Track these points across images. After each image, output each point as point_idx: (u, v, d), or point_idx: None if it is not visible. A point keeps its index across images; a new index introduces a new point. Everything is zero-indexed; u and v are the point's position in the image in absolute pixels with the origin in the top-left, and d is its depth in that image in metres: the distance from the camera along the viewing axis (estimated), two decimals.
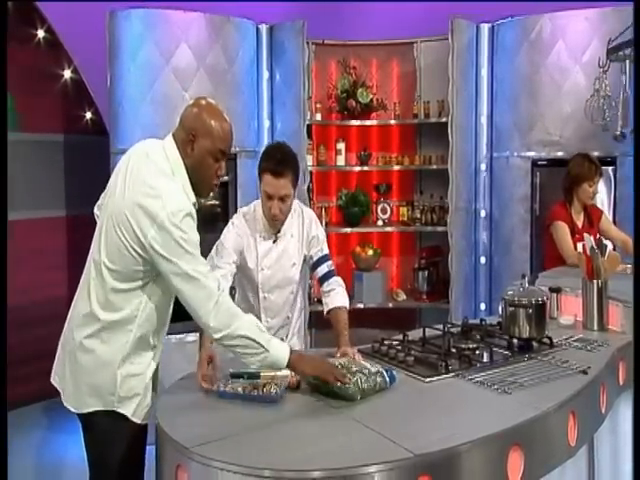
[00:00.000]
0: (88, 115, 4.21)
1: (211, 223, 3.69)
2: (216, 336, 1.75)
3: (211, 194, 1.87)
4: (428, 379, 1.93)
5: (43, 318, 3.92)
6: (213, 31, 3.64)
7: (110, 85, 3.61)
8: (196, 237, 1.75)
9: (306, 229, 2.34)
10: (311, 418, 1.73)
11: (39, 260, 3.96)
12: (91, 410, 1.81)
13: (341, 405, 1.77)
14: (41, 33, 4.00)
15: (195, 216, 1.77)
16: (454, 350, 2.10)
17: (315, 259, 2.34)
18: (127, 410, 1.82)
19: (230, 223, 2.36)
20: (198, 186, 1.81)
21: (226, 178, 3.66)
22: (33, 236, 3.96)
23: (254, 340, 1.73)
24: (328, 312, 2.30)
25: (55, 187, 4.08)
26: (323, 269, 2.33)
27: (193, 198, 1.81)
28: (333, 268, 2.36)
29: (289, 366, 1.78)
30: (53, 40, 4.03)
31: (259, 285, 2.34)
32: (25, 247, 3.89)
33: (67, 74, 4.12)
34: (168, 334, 3.49)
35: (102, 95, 4.02)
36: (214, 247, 2.33)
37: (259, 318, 2.30)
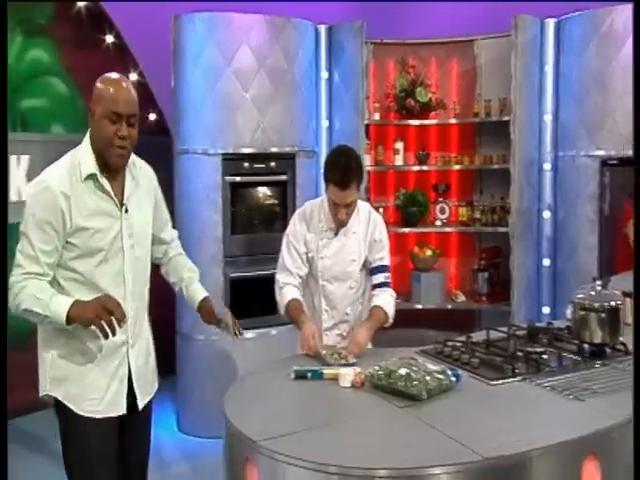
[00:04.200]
0: (152, 116, 4.35)
1: (269, 222, 3.75)
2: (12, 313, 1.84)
3: (119, 158, 1.82)
4: (494, 382, 1.88)
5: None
6: (273, 32, 3.68)
7: (174, 87, 3.71)
8: (41, 215, 1.77)
9: (370, 230, 2.40)
10: (376, 416, 1.73)
11: None
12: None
13: (406, 404, 1.75)
14: (110, 38, 4.16)
15: (63, 198, 1.77)
16: (520, 353, 2.05)
17: (374, 265, 2.39)
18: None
19: (292, 225, 2.41)
20: (104, 153, 1.81)
21: (284, 177, 3.70)
22: None
23: (32, 310, 1.76)
24: (369, 310, 2.34)
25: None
26: (379, 278, 2.39)
27: (89, 170, 1.80)
28: (389, 280, 2.41)
29: (69, 323, 1.75)
30: (121, 45, 4.18)
31: (319, 273, 2.39)
32: None
33: (133, 77, 4.26)
34: None
35: (165, 97, 4.14)
36: (283, 250, 2.39)
37: (319, 306, 2.36)
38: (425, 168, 4.27)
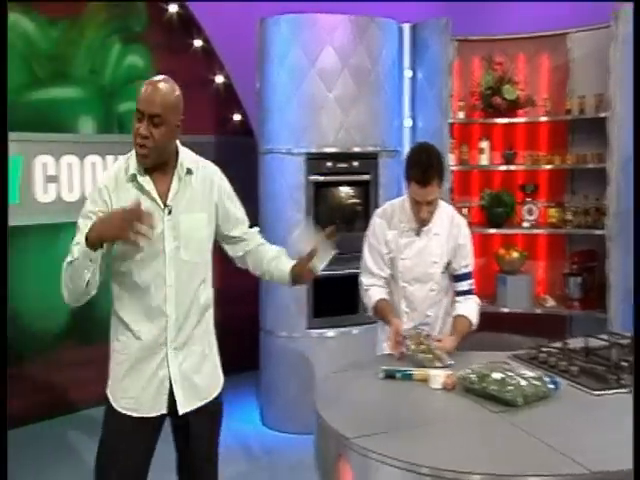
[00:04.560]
0: (237, 117, 4.46)
1: (351, 222, 3.74)
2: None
3: (140, 157, 1.82)
4: (597, 392, 1.77)
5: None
6: (357, 32, 3.67)
7: (259, 88, 3.78)
8: (88, 207, 1.87)
9: (454, 234, 2.35)
10: (468, 420, 1.67)
11: None
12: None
13: (500, 409, 1.69)
14: (198, 42, 4.30)
15: (104, 193, 1.85)
16: (625, 363, 1.92)
17: (459, 273, 2.34)
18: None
19: (372, 226, 2.40)
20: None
21: (367, 177, 3.68)
22: None
23: (68, 265, 1.77)
24: (453, 318, 2.31)
25: None
26: (463, 285, 2.35)
27: (131, 170, 1.85)
28: (474, 287, 2.36)
29: (93, 246, 1.74)
30: (208, 48, 4.31)
31: (399, 274, 2.36)
32: None
33: (219, 79, 4.39)
34: (308, 329, 3.59)
35: (250, 98, 4.24)
36: (365, 252, 2.37)
37: (399, 307, 2.34)
38: (512, 168, 4.11)
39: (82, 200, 3.71)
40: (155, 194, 1.84)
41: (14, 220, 3.53)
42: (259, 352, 3.76)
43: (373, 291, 2.35)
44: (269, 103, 3.72)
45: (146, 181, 1.84)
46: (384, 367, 1.97)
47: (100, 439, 1.91)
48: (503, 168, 4.13)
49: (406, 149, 3.88)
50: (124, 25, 4.06)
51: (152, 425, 1.89)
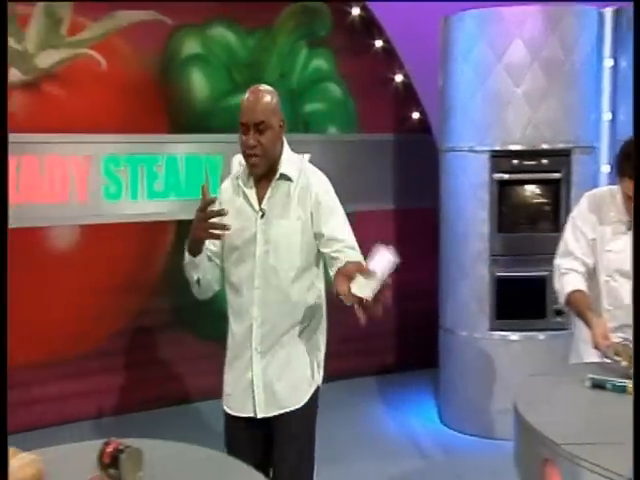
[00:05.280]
0: (415, 115, 4.49)
1: (537, 222, 3.59)
2: None
3: (252, 167, 1.87)
4: None
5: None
6: (549, 23, 3.49)
7: (442, 85, 3.78)
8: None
9: None
10: None
11: (370, 248, 4.38)
12: None
13: None
14: (379, 43, 4.40)
15: (222, 194, 1.97)
16: None
17: None
18: None
19: (580, 206, 2.26)
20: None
21: (557, 175, 3.50)
22: (365, 226, 4.39)
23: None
24: None
25: (385, 182, 4.46)
26: None
27: (237, 174, 1.95)
28: None
29: (193, 253, 1.86)
30: (388, 48, 4.40)
31: (602, 267, 2.18)
32: (359, 236, 4.35)
33: (398, 78, 4.46)
34: (491, 330, 3.52)
35: (429, 96, 4.25)
36: (567, 233, 2.27)
37: (598, 304, 2.17)
38: None
39: None
40: (253, 198, 1.90)
41: None
42: (437, 349, 3.77)
43: (571, 277, 2.17)
44: (452, 100, 3.70)
45: (247, 184, 1.92)
46: (591, 375, 1.88)
47: None
48: None
49: (604, 145, 3.62)
50: (310, 31, 4.30)
51: (245, 424, 1.93)
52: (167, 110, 3.88)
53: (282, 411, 1.90)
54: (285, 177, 1.89)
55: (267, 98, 1.86)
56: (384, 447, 3.38)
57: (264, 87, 1.90)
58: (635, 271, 1.92)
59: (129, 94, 3.74)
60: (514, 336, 3.39)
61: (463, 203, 3.59)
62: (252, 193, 1.91)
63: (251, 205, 1.90)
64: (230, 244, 1.92)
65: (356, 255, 1.84)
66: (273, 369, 1.90)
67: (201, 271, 1.90)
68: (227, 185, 1.99)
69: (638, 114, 2.18)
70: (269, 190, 1.89)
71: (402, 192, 4.48)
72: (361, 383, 4.25)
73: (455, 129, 3.67)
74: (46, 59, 3.56)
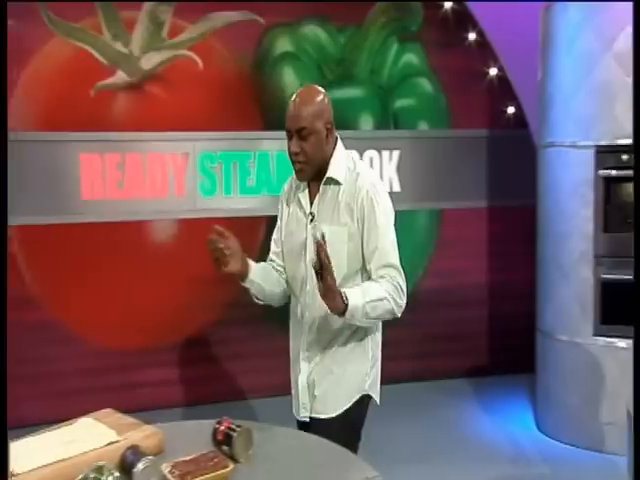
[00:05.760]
0: (510, 110, 4.32)
1: None
2: None
3: (298, 173, 1.86)
4: None
5: (463, 302, 4.25)
6: None
7: (541, 78, 3.60)
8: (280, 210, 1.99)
9: None
10: None
11: (462, 247, 4.28)
12: None
13: None
14: (472, 36, 4.27)
15: (283, 198, 1.98)
16: None
17: None
18: None
19: None
20: None
21: None
22: (457, 225, 4.30)
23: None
24: None
25: (478, 179, 4.33)
26: None
27: (296, 182, 1.92)
28: None
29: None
30: (482, 42, 4.25)
31: None
32: (450, 234, 4.27)
33: (493, 72, 4.31)
34: (595, 335, 3.32)
35: (525, 90, 4.07)
36: None
37: None
38: None
39: None
40: (305, 201, 1.88)
41: None
42: (534, 353, 3.61)
43: None
44: (552, 93, 3.51)
45: (300, 187, 1.90)
46: None
47: None
48: None
49: None
50: (401, 26, 4.24)
51: (300, 426, 1.91)
52: (260, 108, 3.96)
53: (316, 416, 1.88)
54: (333, 181, 1.84)
55: (310, 102, 1.79)
56: (478, 451, 3.28)
57: (309, 89, 1.85)
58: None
59: (224, 93, 3.84)
60: (622, 343, 3.17)
61: (564, 201, 3.40)
62: (304, 196, 1.89)
63: (302, 208, 1.89)
64: (286, 247, 1.93)
65: (372, 288, 1.76)
66: (316, 374, 1.88)
67: (259, 292, 1.89)
68: (288, 186, 1.99)
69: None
70: (319, 195, 1.86)
71: (496, 189, 4.32)
72: (452, 384, 4.15)
73: (556, 123, 3.49)
74: (149, 61, 3.72)
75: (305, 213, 1.87)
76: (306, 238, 1.85)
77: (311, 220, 1.85)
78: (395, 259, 1.80)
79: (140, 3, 3.68)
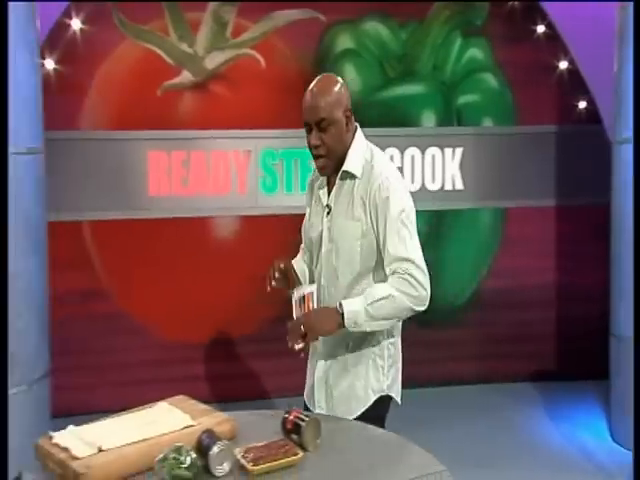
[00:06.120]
0: (582, 105, 4.14)
1: None
2: None
3: (319, 168, 1.84)
4: None
5: (529, 303, 4.09)
6: None
7: (617, 71, 3.43)
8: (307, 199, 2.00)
9: None
10: None
11: (529, 247, 4.13)
12: None
13: None
14: (541, 28, 4.11)
15: (309, 188, 1.98)
16: None
17: None
18: None
19: None
20: None
21: None
22: (524, 224, 4.15)
23: None
24: None
25: (546, 176, 4.16)
26: None
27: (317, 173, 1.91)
28: None
29: None
30: (551, 34, 4.09)
31: None
32: (515, 233, 4.13)
33: (563, 65, 4.14)
34: None
35: (599, 83, 3.89)
36: None
37: None
38: None
39: (422, 190, 4.05)
40: (323, 193, 1.85)
41: None
42: (607, 358, 3.43)
43: None
44: (629, 87, 3.33)
45: (319, 178, 1.89)
46: None
47: None
48: None
49: None
50: (465, 20, 4.14)
51: None
52: None
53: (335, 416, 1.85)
54: (349, 174, 1.80)
55: (327, 92, 1.76)
56: (546, 458, 3.15)
57: (324, 79, 1.82)
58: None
59: (285, 90, 3.87)
60: None
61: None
62: (323, 187, 1.87)
63: (320, 200, 1.87)
64: (307, 238, 1.95)
65: (376, 289, 1.74)
66: (332, 373, 1.86)
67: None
68: (312, 177, 1.98)
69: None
70: (335, 188, 1.82)
71: (566, 187, 4.14)
72: (517, 388, 4.00)
73: (631, 119, 3.30)
74: (213, 61, 3.80)
75: (322, 205, 1.85)
76: (322, 231, 1.83)
77: (327, 213, 1.83)
78: (409, 252, 1.72)
79: (205, 4, 3.77)
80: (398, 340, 1.88)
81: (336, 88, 1.78)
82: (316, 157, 1.79)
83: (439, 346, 4.02)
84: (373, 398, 1.82)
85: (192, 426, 1.47)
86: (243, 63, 3.84)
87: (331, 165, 1.79)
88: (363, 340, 1.81)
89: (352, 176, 1.79)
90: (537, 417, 3.64)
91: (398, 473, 1.39)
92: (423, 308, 1.73)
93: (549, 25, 4.09)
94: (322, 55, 3.97)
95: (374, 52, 4.04)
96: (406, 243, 1.72)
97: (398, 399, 1.88)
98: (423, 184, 4.05)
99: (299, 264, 1.99)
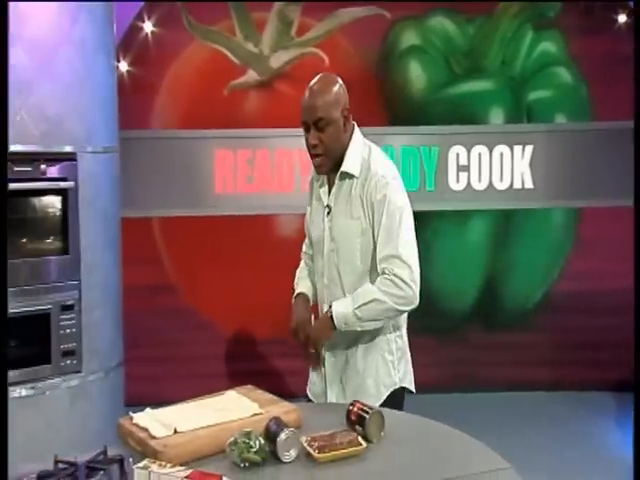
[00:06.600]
0: None
1: None
2: None
3: (317, 167, 1.85)
4: None
5: (604, 308, 3.90)
6: None
7: None
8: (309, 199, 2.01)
9: None
10: None
11: (603, 248, 3.94)
12: None
13: None
14: (622, 18, 3.90)
15: (311, 187, 1.98)
16: None
17: None
18: None
19: None
20: None
21: None
22: (598, 224, 3.97)
23: None
24: None
25: (623, 175, 3.95)
26: None
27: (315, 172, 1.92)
28: None
29: None
30: (633, 24, 3.87)
31: None
32: (590, 235, 3.94)
33: None
34: None
35: None
36: None
37: None
38: None
39: (490, 189, 3.93)
40: (324, 192, 1.86)
41: (430, 205, 3.87)
42: None
43: None
44: None
45: (319, 179, 1.89)
46: None
47: None
48: None
49: None
50: (537, 13, 3.99)
51: None
52: (385, 103, 3.92)
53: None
54: (347, 175, 1.82)
55: (325, 92, 1.78)
56: (621, 474, 2.97)
57: (322, 78, 1.83)
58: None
59: (349, 88, 3.83)
60: None
61: None
62: (323, 186, 1.89)
63: (321, 200, 1.89)
64: (309, 237, 1.98)
65: (364, 291, 1.77)
66: (343, 372, 1.88)
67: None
68: (313, 175, 1.98)
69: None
70: (335, 188, 1.85)
71: None
72: (591, 397, 3.83)
73: None
74: (278, 59, 3.85)
75: (323, 205, 1.87)
76: (323, 230, 1.86)
77: (328, 213, 1.85)
78: (398, 248, 1.73)
79: (270, 3, 3.81)
80: (404, 330, 1.91)
81: (335, 88, 1.81)
82: (313, 156, 1.82)
83: (507, 349, 3.89)
84: (386, 394, 1.84)
85: (260, 414, 1.52)
86: (307, 62, 3.86)
87: (328, 164, 1.82)
88: (371, 337, 1.83)
89: (350, 176, 1.82)
90: (612, 429, 3.47)
91: (461, 467, 1.39)
92: (410, 307, 1.76)
93: (631, 14, 3.87)
94: (387, 52, 3.94)
95: (440, 48, 3.96)
96: (396, 240, 1.74)
97: (412, 387, 1.90)
98: (490, 182, 3.93)
99: (305, 282, 2.01)
